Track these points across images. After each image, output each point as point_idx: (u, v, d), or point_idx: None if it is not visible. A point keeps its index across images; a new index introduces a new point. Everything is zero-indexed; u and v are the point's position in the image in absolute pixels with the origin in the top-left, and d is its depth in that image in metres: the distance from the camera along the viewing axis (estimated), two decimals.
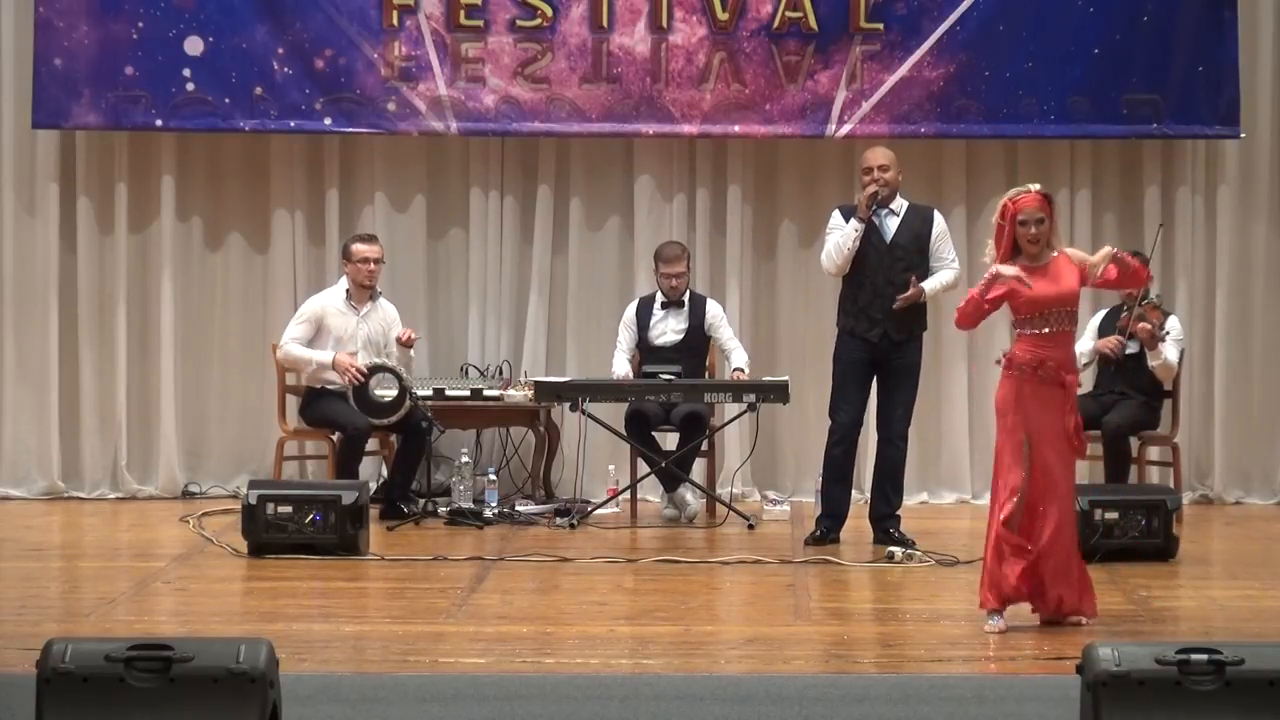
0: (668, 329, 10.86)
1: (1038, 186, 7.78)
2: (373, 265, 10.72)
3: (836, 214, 9.83)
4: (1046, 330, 7.61)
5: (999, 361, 7.78)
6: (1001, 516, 7.58)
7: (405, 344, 10.73)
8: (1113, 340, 10.49)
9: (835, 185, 11.48)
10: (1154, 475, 10.86)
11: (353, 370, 10.47)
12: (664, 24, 11.20)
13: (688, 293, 10.89)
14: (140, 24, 11.14)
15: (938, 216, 9.87)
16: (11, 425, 11.54)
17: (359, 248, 10.77)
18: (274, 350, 10.90)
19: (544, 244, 11.62)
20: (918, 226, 9.72)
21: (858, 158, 11.03)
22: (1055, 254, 7.68)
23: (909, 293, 9.52)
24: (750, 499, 11.28)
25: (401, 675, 6.75)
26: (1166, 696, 5.32)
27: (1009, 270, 7.57)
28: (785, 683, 6.65)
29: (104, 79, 11.15)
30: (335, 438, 10.64)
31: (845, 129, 11.24)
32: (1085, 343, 10.78)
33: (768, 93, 11.22)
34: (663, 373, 10.54)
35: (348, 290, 10.79)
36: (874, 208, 9.61)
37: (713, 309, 10.92)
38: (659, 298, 10.90)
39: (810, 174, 11.63)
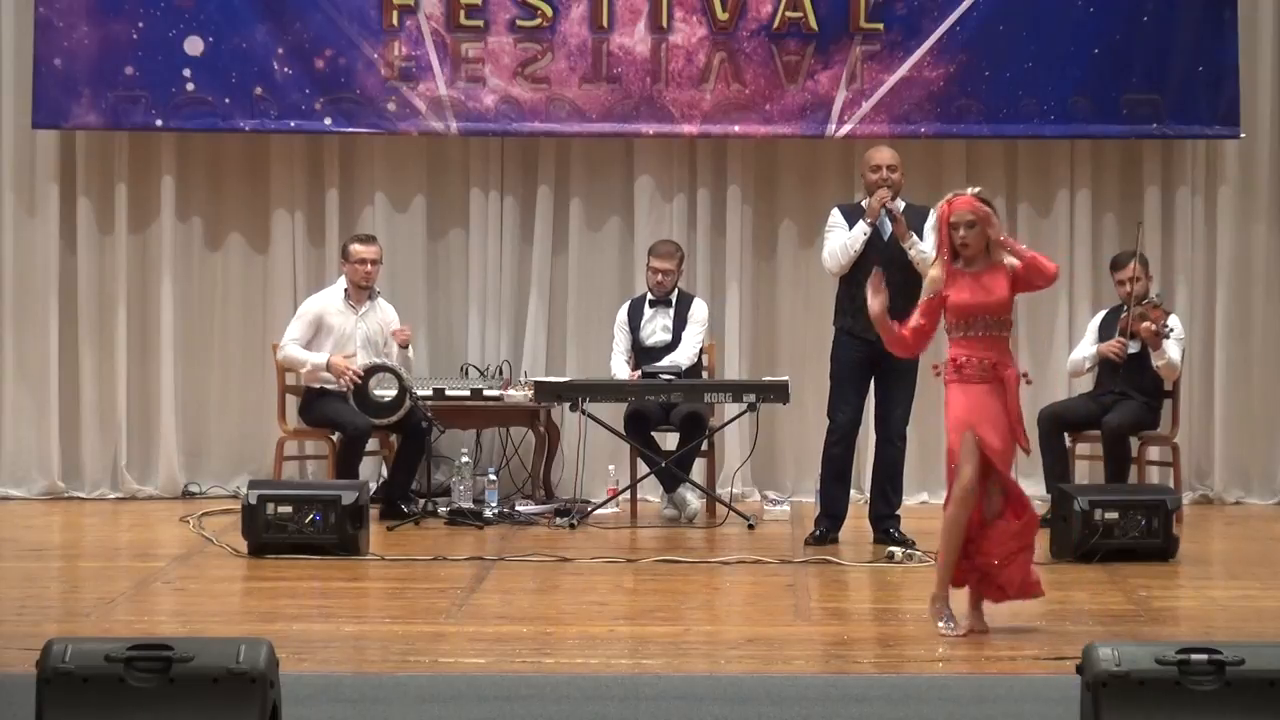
0: (657, 329, 10.87)
1: (975, 190, 7.74)
2: (369, 266, 10.73)
3: (836, 213, 9.83)
4: (973, 334, 7.59)
5: (937, 370, 7.78)
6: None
7: (401, 345, 10.74)
8: (1115, 343, 10.47)
9: (835, 185, 11.48)
10: (1154, 475, 10.85)
11: (350, 373, 10.48)
12: (664, 24, 11.20)
13: (675, 292, 10.89)
14: (140, 24, 11.14)
15: (933, 215, 9.85)
16: (11, 425, 11.54)
17: (356, 248, 10.78)
18: (274, 350, 10.91)
19: (544, 244, 11.62)
20: (915, 225, 9.72)
21: (858, 158, 11.04)
22: (996, 262, 7.61)
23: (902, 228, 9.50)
24: (750, 499, 11.28)
25: (401, 675, 6.74)
26: (1166, 696, 5.32)
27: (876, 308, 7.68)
28: (785, 683, 6.65)
29: (104, 79, 11.15)
30: (335, 438, 10.65)
31: (845, 129, 11.24)
32: (1086, 347, 10.77)
33: (768, 93, 11.22)
34: (663, 372, 10.55)
35: (346, 290, 10.80)
36: (884, 211, 9.61)
37: (696, 307, 10.91)
38: (648, 296, 10.92)
39: (810, 174, 11.63)
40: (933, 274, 7.71)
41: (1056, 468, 10.51)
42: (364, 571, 9.03)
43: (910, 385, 9.78)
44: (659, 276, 10.85)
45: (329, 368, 10.55)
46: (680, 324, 10.85)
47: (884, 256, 9.63)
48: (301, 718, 5.93)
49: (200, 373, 11.65)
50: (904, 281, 9.67)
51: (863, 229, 9.60)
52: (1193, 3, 11.16)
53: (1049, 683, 6.54)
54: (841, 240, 9.68)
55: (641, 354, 10.84)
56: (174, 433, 11.52)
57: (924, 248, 9.61)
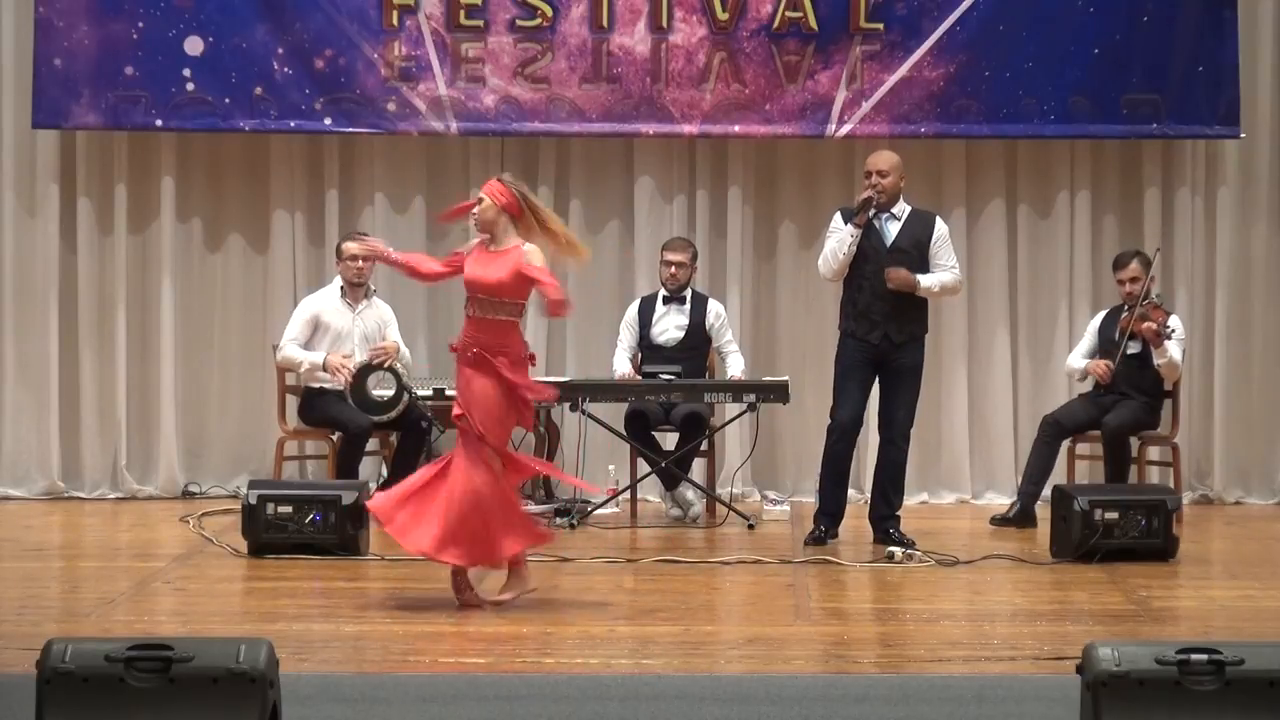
0: (669, 325, 10.86)
1: (509, 176, 8.15)
2: (360, 264, 10.73)
3: (838, 216, 9.82)
4: (474, 314, 7.98)
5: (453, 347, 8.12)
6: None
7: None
8: (1101, 367, 10.49)
9: (835, 185, 11.48)
10: (1154, 475, 10.86)
11: (344, 371, 10.49)
12: (664, 24, 11.20)
13: (689, 290, 10.89)
14: (140, 24, 11.15)
15: (939, 222, 9.84)
16: (11, 425, 11.54)
17: (348, 246, 10.80)
18: (274, 351, 10.91)
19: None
20: (919, 232, 9.71)
21: (858, 158, 11.05)
22: (518, 245, 7.96)
23: (901, 274, 9.53)
24: (750, 499, 11.28)
25: (401, 675, 6.74)
26: (1166, 696, 5.31)
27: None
28: (785, 683, 6.64)
29: (104, 79, 11.15)
30: (335, 437, 10.64)
31: (845, 129, 11.24)
32: (1079, 358, 10.76)
33: (768, 93, 11.22)
34: (663, 373, 10.55)
35: (342, 289, 10.81)
36: (870, 213, 9.60)
37: (715, 309, 10.93)
38: (661, 293, 10.91)
39: (810, 174, 11.63)
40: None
41: (1036, 473, 10.49)
42: (364, 571, 9.03)
43: (914, 387, 9.77)
44: (671, 269, 10.84)
45: (325, 366, 10.56)
46: (695, 323, 10.83)
47: (881, 260, 9.63)
48: (301, 718, 5.93)
49: (200, 373, 11.65)
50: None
51: (850, 233, 9.60)
52: (1193, 3, 11.17)
53: (1049, 683, 6.54)
54: (831, 245, 9.69)
55: (651, 351, 10.83)
56: (174, 433, 11.52)
57: (929, 281, 9.61)
